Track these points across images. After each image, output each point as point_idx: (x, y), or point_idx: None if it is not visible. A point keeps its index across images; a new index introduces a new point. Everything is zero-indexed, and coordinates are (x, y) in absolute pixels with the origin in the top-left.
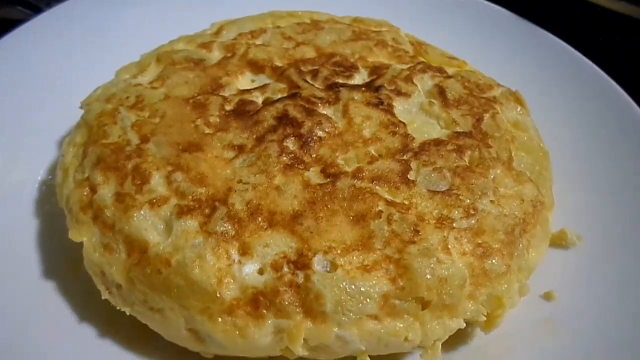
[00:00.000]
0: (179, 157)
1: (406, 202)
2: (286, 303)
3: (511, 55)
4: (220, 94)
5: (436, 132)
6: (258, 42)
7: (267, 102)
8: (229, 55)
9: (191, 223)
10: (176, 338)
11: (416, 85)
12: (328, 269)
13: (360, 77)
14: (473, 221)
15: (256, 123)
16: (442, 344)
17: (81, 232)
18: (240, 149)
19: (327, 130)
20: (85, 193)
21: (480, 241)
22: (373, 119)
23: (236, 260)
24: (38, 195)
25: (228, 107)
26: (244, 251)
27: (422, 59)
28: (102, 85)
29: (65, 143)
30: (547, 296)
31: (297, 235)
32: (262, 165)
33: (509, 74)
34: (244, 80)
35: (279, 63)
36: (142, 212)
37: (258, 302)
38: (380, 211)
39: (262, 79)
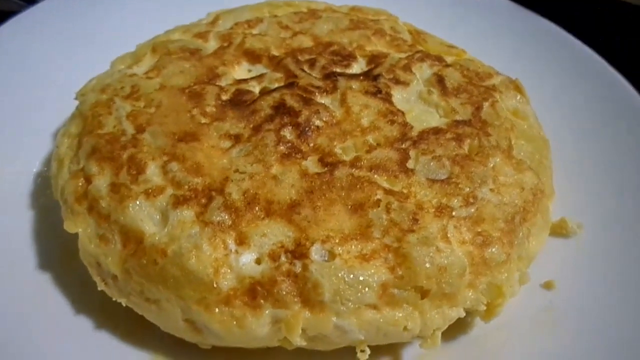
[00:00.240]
0: (174, 147)
1: (405, 191)
2: (284, 293)
3: (510, 43)
4: (217, 83)
5: (435, 120)
6: (255, 31)
7: (264, 92)
8: (225, 44)
9: (187, 213)
10: (173, 329)
11: (415, 74)
12: (326, 259)
13: (358, 66)
14: (472, 210)
15: (253, 112)
16: (441, 334)
17: (76, 223)
18: (236, 138)
19: (324, 119)
20: (80, 184)
21: (480, 230)
22: (371, 107)
23: (233, 250)
24: (33, 187)
25: (224, 97)
26: (241, 241)
27: (420, 48)
28: (97, 76)
29: (60, 134)
30: (547, 285)
31: (294, 225)
32: (259, 154)
33: (508, 62)
34: (241, 70)
35: (276, 52)
36: (137, 203)
37: (255, 292)
38: (379, 200)
39: (259, 69)
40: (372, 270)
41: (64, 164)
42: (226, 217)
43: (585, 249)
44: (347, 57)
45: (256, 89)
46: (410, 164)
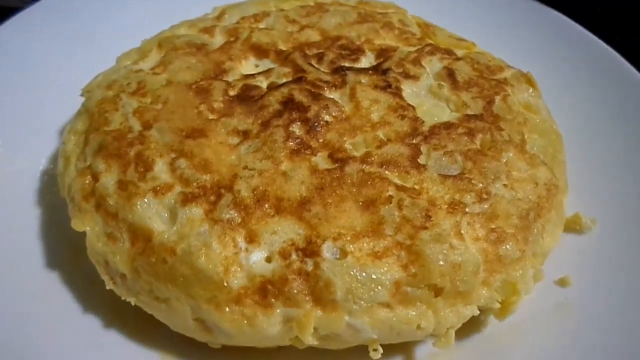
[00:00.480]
0: (182, 144)
1: (417, 187)
2: (295, 291)
3: (521, 36)
4: (224, 79)
5: (446, 115)
6: (261, 25)
7: (272, 87)
8: (231, 39)
9: (196, 211)
10: (183, 328)
11: (424, 67)
12: (338, 256)
13: (367, 60)
14: (486, 206)
15: (261, 108)
16: (455, 332)
17: (84, 222)
18: (245, 134)
19: (334, 114)
20: (87, 181)
21: (493, 226)
22: (381, 102)
23: (243, 248)
24: (40, 185)
25: (232, 92)
26: (251, 239)
27: (429, 41)
28: (102, 72)
29: (66, 131)
30: (562, 282)
31: (305, 222)
32: (268, 150)
33: (519, 55)
34: (248, 65)
35: (283, 47)
36: (145, 200)
37: (266, 290)
38: (391, 196)
39: (266, 64)
40: (385, 268)
41: (71, 162)
42: (236, 214)
43: (600, 245)
44: (356, 51)
45: (264, 84)
46: (421, 160)
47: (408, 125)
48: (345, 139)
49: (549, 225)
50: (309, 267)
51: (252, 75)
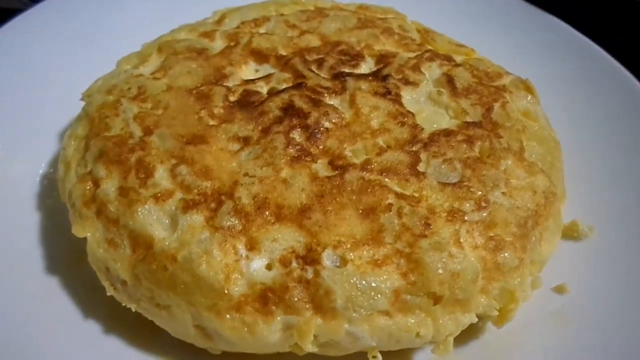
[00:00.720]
0: (183, 150)
1: (416, 195)
2: (295, 299)
3: (520, 42)
4: (224, 84)
5: (445, 122)
6: (262, 30)
7: (272, 93)
8: (232, 44)
9: (197, 218)
10: (183, 335)
11: (424, 73)
12: (338, 264)
13: (366, 66)
14: (485, 214)
15: (261, 114)
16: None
17: (85, 228)
18: (245, 141)
19: (334, 121)
20: (88, 187)
21: (492, 234)
22: (381, 109)
23: (244, 256)
24: (39, 189)
25: (232, 98)
26: (252, 246)
27: (429, 47)
28: (102, 76)
29: (67, 136)
30: (559, 289)
31: (305, 230)
32: (269, 157)
33: (517, 62)
34: (248, 70)
35: (283, 52)
36: (146, 207)
37: (267, 298)
38: (390, 204)
39: (266, 69)
40: (385, 276)
41: (71, 167)
42: (236, 221)
43: (597, 252)
44: (356, 57)
45: (264, 89)
46: (421, 167)
47: (408, 132)
48: (345, 145)
49: (546, 233)
50: (309, 275)
51: (253, 81)
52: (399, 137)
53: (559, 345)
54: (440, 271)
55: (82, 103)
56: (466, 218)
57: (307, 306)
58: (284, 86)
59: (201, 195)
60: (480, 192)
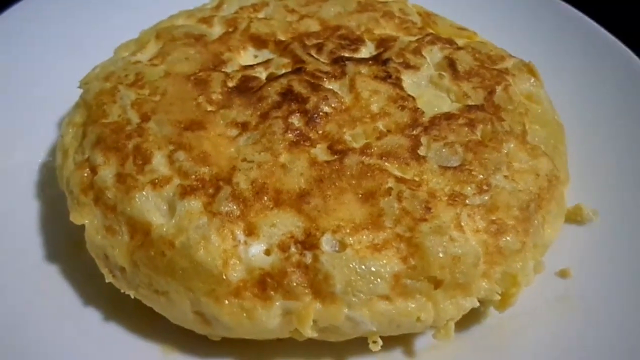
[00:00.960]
0: (180, 136)
1: (417, 179)
2: (294, 284)
3: (523, 25)
4: (222, 70)
5: (446, 105)
6: (260, 15)
7: (271, 78)
8: (230, 30)
9: (195, 203)
10: (182, 321)
11: (425, 57)
12: (337, 249)
13: (366, 51)
14: (486, 197)
15: (260, 99)
16: (454, 323)
17: (83, 215)
18: (244, 126)
19: (333, 105)
20: (86, 174)
21: (494, 218)
22: (381, 93)
23: (242, 241)
24: (39, 177)
25: (230, 84)
26: (250, 231)
27: (430, 30)
28: (100, 64)
29: (65, 123)
30: (563, 273)
31: (304, 215)
32: (267, 142)
33: (521, 45)
34: (247, 56)
35: (282, 37)
36: (144, 193)
37: (265, 283)
38: (390, 188)
39: (265, 54)
40: (384, 261)
41: (69, 155)
42: (234, 207)
43: (601, 236)
44: (356, 41)
45: (263, 75)
46: (421, 151)
47: (408, 116)
48: (344, 130)
49: (549, 216)
50: (308, 259)
51: (251, 66)
52: (399, 121)
53: (562, 329)
54: (440, 255)
55: (80, 91)
56: (467, 202)
57: (306, 291)
58: (283, 71)
59: (199, 181)
60: (481, 176)
